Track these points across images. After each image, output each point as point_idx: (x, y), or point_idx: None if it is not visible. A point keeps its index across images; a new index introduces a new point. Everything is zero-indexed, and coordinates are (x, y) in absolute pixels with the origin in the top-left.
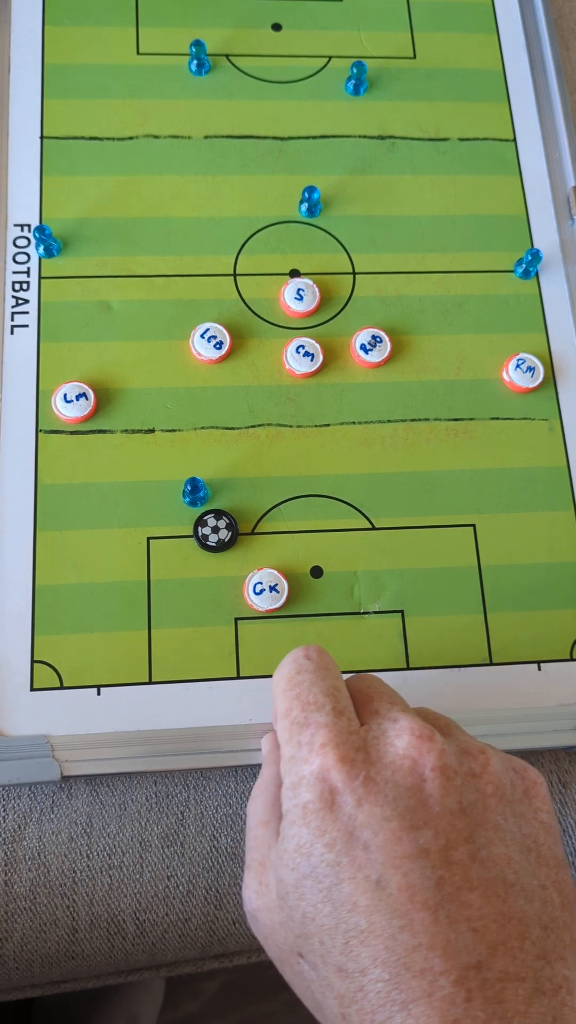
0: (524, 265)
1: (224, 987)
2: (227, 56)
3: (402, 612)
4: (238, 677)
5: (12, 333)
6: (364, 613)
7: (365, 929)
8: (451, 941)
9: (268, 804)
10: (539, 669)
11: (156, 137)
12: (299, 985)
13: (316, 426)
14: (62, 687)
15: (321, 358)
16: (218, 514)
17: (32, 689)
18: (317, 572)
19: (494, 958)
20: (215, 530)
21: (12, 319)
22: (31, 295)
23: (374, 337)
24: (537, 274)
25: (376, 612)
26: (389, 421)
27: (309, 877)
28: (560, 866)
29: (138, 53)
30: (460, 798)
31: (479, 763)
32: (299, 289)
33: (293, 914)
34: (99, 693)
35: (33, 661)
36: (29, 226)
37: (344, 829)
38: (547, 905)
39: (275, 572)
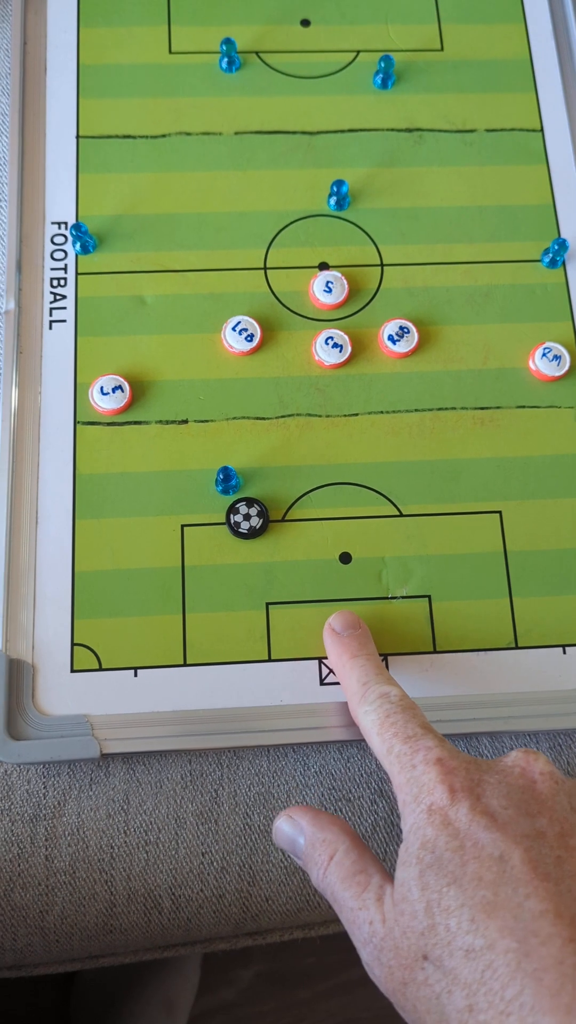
0: (551, 254)
1: (259, 975)
2: (257, 53)
3: (429, 597)
4: (269, 660)
5: (51, 328)
6: (392, 598)
7: (492, 901)
8: (575, 913)
9: (354, 859)
10: (564, 652)
11: (188, 134)
12: (421, 999)
13: (345, 416)
14: (101, 669)
15: (350, 349)
16: (250, 502)
17: (72, 671)
18: (346, 558)
19: None
20: (247, 517)
21: (51, 314)
22: (68, 291)
23: (402, 328)
24: (564, 263)
25: (404, 597)
26: (417, 410)
27: (433, 866)
28: None
29: (170, 52)
30: (570, 800)
31: None
32: (328, 282)
33: (416, 909)
34: (136, 675)
35: (73, 644)
36: (66, 224)
37: (466, 820)
38: None
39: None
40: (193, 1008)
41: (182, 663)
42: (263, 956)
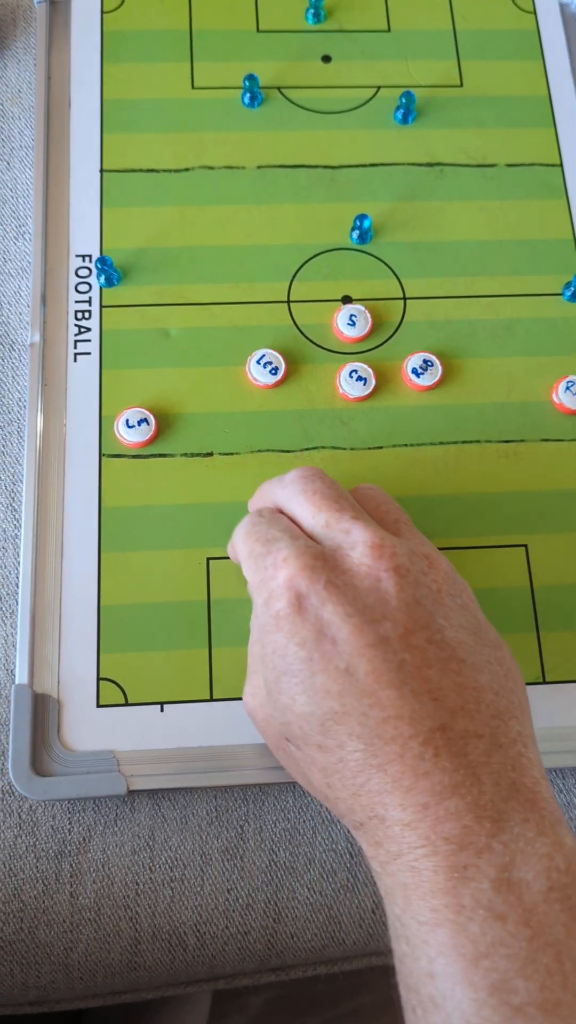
0: (573, 288)
1: (269, 1002)
2: (279, 88)
3: None
4: None
5: (75, 360)
6: None
7: (339, 711)
8: (416, 711)
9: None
10: None
11: (211, 168)
12: (291, 765)
13: (369, 448)
14: (127, 704)
15: (374, 382)
16: None
17: (98, 705)
18: None
19: (455, 720)
20: None
21: (75, 347)
22: (93, 323)
23: (425, 361)
24: None
25: None
26: (441, 443)
27: (286, 674)
28: (499, 646)
29: (193, 87)
30: (415, 592)
31: (428, 562)
32: (351, 315)
33: (276, 707)
34: (162, 710)
35: (99, 678)
36: (90, 256)
37: (313, 628)
38: (495, 676)
39: None
40: None
41: (208, 698)
42: (273, 983)
